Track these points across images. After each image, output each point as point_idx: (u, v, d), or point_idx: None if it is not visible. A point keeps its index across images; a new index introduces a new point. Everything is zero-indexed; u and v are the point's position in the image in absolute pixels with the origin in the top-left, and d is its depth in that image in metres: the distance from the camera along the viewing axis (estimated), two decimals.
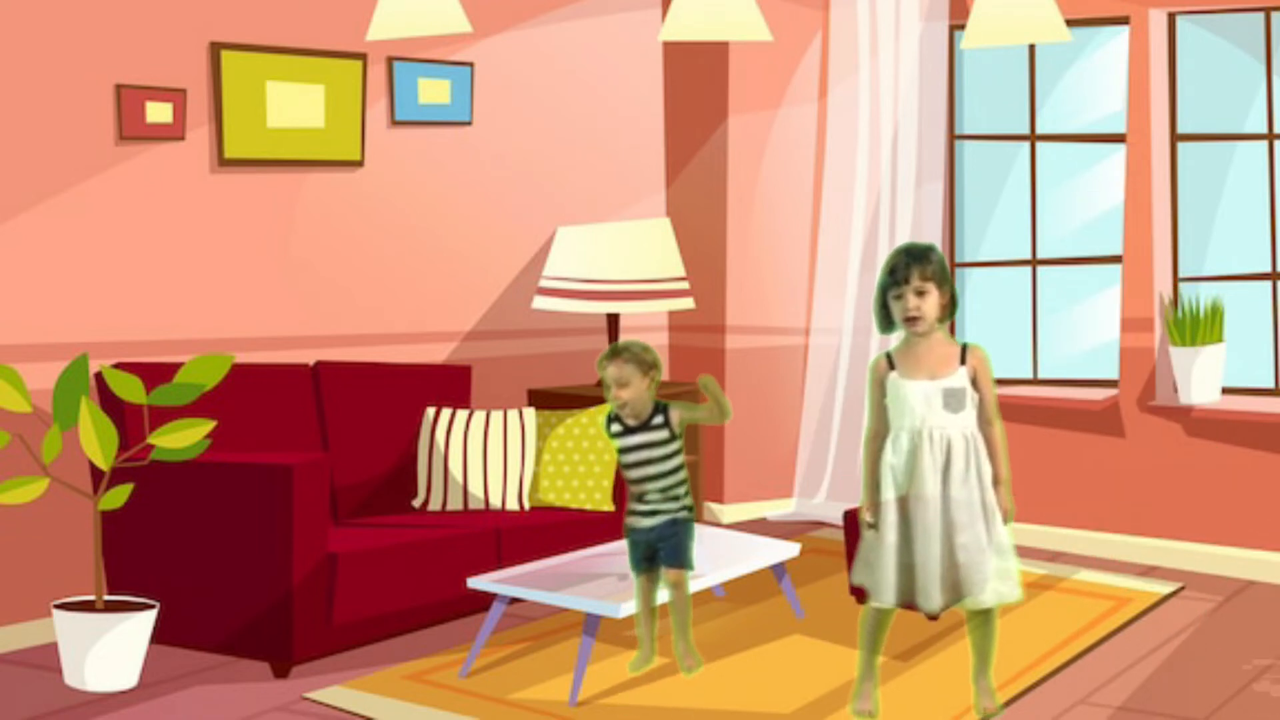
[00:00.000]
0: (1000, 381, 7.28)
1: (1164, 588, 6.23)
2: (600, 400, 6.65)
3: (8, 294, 5.50)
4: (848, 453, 7.42)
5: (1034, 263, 7.30)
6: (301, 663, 5.27)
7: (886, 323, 4.23)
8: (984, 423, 4.24)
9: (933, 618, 4.59)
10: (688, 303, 7.07)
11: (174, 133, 5.89)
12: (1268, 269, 6.74)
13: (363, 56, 6.41)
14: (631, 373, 4.60)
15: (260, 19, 6.12)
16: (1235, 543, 6.58)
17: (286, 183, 6.27)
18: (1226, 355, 6.67)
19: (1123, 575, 6.46)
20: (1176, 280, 6.81)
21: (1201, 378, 6.59)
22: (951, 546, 4.16)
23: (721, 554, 5.59)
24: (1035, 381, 7.28)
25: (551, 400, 6.92)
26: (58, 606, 5.09)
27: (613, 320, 7.12)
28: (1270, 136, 6.65)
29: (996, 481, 4.24)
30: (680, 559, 4.63)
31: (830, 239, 7.45)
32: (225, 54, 6.00)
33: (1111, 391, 6.96)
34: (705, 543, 5.76)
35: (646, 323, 7.67)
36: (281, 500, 5.09)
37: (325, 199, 6.40)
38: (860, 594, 4.53)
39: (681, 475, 4.67)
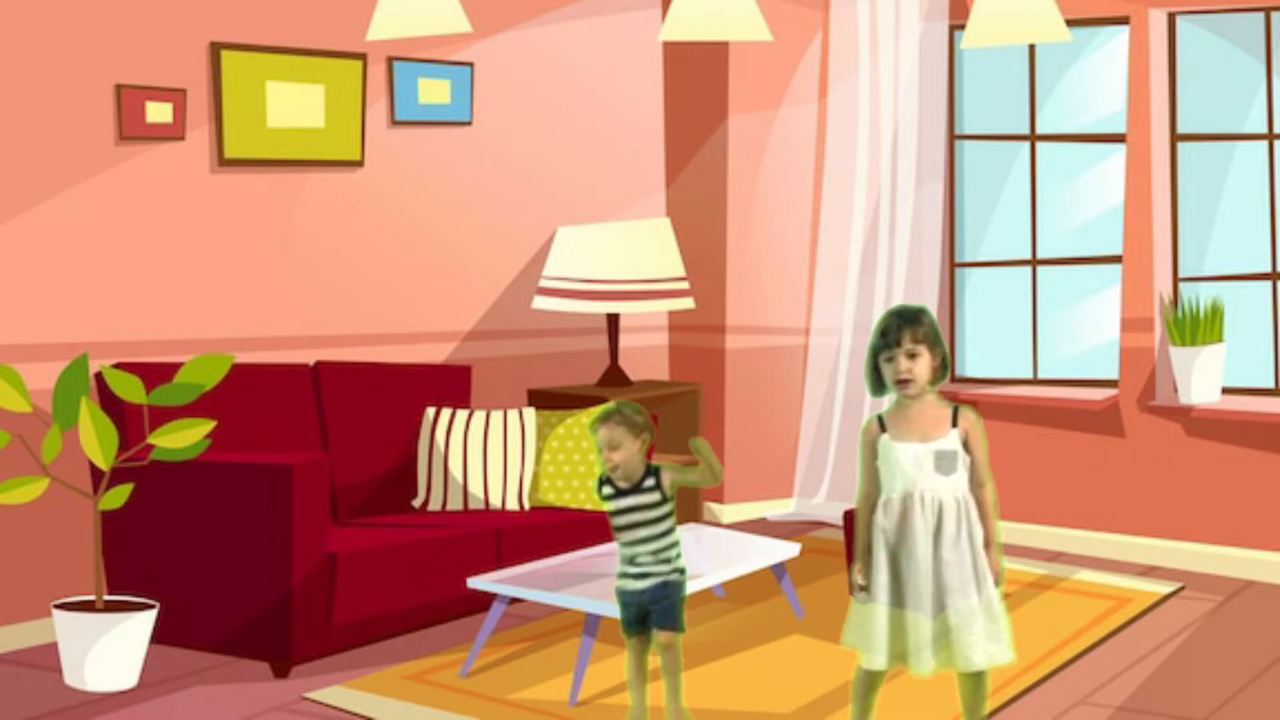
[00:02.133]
0: (1000, 381, 7.30)
1: (1164, 588, 6.22)
2: (601, 400, 6.65)
3: (8, 294, 5.50)
4: (848, 453, 7.42)
5: (1034, 263, 7.30)
6: (301, 663, 5.27)
7: (878, 385, 4.22)
8: (975, 485, 4.24)
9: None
10: (688, 303, 7.07)
11: (174, 133, 5.89)
12: (1268, 269, 6.74)
13: (363, 56, 6.41)
14: (623, 435, 4.57)
15: (260, 19, 6.12)
16: (1235, 543, 6.58)
17: (286, 183, 6.27)
18: (1226, 355, 6.67)
19: (1123, 575, 6.46)
20: (1176, 280, 6.81)
21: (1201, 378, 6.59)
22: (943, 609, 4.16)
23: (721, 554, 5.59)
24: (1035, 381, 7.28)
25: (551, 400, 6.92)
26: (58, 606, 5.09)
27: (613, 320, 7.12)
28: (1270, 136, 6.65)
29: (988, 544, 4.23)
30: (672, 621, 4.59)
31: (830, 239, 7.45)
32: (225, 54, 6.00)
33: (1111, 391, 6.96)
34: (705, 543, 5.76)
35: (646, 323, 7.67)
36: (281, 500, 5.09)
37: (325, 199, 6.40)
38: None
39: (674, 538, 4.64)
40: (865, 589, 4.21)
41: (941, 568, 4.14)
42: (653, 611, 4.59)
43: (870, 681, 4.31)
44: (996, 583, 4.22)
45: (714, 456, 4.55)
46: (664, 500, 4.58)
